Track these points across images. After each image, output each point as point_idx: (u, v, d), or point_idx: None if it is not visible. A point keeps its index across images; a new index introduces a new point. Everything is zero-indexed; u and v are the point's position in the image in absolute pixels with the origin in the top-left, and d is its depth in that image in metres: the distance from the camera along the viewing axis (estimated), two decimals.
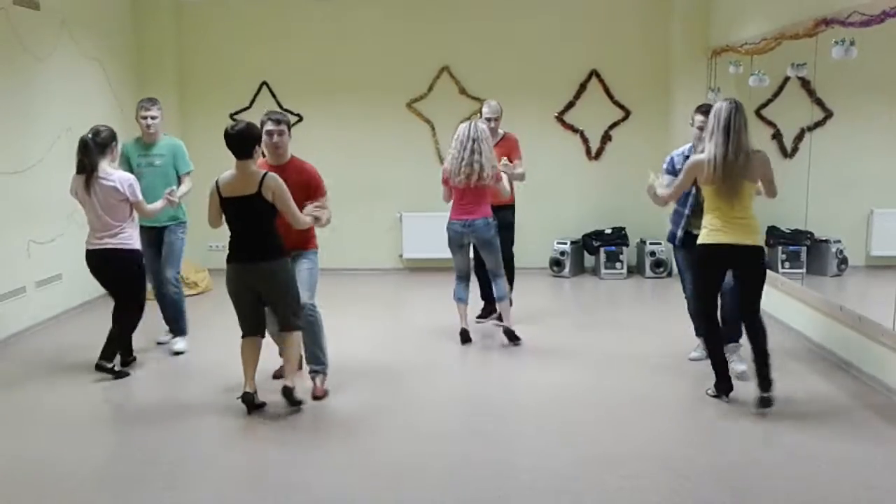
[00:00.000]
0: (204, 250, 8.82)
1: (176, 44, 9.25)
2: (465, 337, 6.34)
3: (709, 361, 5.10)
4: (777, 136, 8.82)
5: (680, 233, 5.52)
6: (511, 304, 6.64)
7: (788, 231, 8.28)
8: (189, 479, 4.11)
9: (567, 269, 9.14)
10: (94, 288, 7.96)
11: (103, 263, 5.52)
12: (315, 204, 5.02)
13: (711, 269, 4.95)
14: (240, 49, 9.31)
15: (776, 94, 8.55)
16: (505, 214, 6.63)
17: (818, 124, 8.00)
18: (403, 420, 4.87)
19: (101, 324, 5.85)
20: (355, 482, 4.03)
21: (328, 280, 8.95)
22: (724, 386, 4.97)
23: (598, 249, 9.21)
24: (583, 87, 9.31)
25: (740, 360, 5.38)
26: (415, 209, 9.36)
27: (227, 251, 4.86)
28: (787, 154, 8.74)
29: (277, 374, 5.37)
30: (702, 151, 4.87)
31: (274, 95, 9.36)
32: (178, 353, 6.11)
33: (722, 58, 8.28)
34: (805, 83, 7.60)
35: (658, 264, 9.05)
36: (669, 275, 9.07)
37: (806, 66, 6.81)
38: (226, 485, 4.08)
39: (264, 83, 9.35)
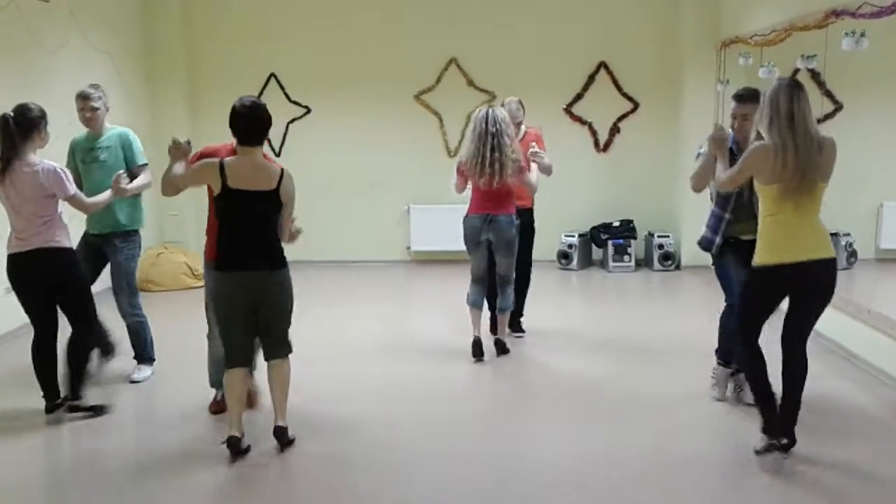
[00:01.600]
0: None
1: (184, 36, 9.26)
2: (477, 349, 5.67)
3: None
4: None
5: (719, 240, 4.65)
6: (522, 329, 6.29)
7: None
8: None
9: (575, 262, 9.13)
10: (100, 281, 8.05)
11: (33, 268, 4.54)
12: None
13: (770, 296, 4.07)
14: (248, 41, 9.31)
15: None
16: (524, 217, 5.94)
17: (828, 116, 7.96)
18: (402, 415, 4.86)
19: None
20: (359, 473, 4.05)
21: (336, 272, 9.01)
22: (774, 425, 4.02)
23: (606, 242, 9.19)
24: (591, 78, 9.28)
25: (729, 384, 4.85)
26: (422, 201, 9.36)
27: (217, 256, 4.12)
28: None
29: (217, 408, 4.68)
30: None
31: (282, 88, 9.37)
32: (135, 382, 5.29)
33: (731, 49, 8.25)
34: (815, 75, 7.56)
35: (666, 257, 9.03)
36: (678, 268, 9.06)
37: (816, 58, 6.76)
38: None
39: (272, 75, 9.36)
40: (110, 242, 5.19)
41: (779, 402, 4.04)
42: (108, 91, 8.13)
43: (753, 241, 4.19)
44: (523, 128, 6.19)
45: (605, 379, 5.43)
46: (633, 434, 4.50)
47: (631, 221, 9.27)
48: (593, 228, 9.37)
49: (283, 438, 4.19)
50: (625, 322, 7.01)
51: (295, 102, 9.39)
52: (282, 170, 4.10)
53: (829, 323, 6.06)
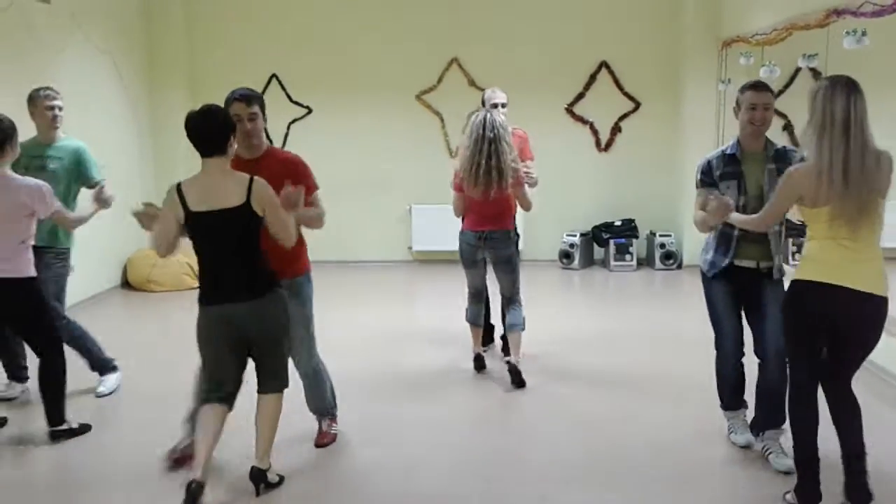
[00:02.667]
0: None
1: (186, 36, 9.27)
2: (479, 363, 5.46)
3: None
4: (788, 127, 8.78)
5: (725, 262, 4.00)
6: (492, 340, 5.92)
7: (799, 222, 8.22)
8: None
9: (576, 262, 9.14)
10: (106, 279, 8.11)
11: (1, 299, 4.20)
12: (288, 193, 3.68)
13: (818, 320, 3.40)
14: (249, 42, 9.32)
15: (787, 85, 8.52)
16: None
17: None
18: (406, 414, 4.87)
19: (109, 317, 5.76)
20: (362, 472, 4.05)
21: (338, 272, 9.01)
22: (810, 494, 3.48)
23: (607, 241, 9.19)
24: (592, 78, 9.29)
25: (783, 451, 3.95)
26: (424, 201, 9.36)
27: (200, 289, 3.67)
28: (797, 145, 8.71)
29: (179, 458, 3.96)
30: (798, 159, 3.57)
31: (284, 88, 9.37)
32: (102, 395, 5.02)
33: (732, 49, 8.25)
34: (816, 74, 7.56)
35: (668, 256, 9.04)
36: (679, 267, 9.06)
37: (817, 57, 6.77)
38: None
39: (274, 76, 9.36)
40: (42, 257, 4.61)
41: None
42: (110, 92, 8.15)
43: (754, 271, 3.94)
44: (508, 128, 5.35)
45: (607, 377, 5.44)
46: (636, 431, 4.50)
47: (632, 221, 9.28)
48: (595, 228, 9.37)
49: (260, 482, 3.66)
50: (627, 321, 7.01)
51: (296, 103, 9.40)
52: (250, 178, 3.52)
53: None
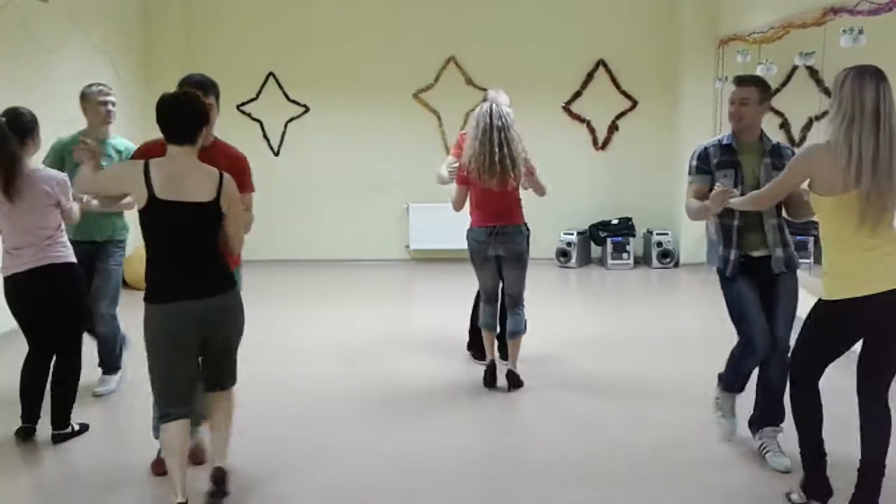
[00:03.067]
0: None
1: (183, 35, 9.26)
2: (490, 375, 5.12)
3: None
4: (785, 125, 8.80)
5: (733, 256, 3.94)
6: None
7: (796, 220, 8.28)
8: None
9: (574, 260, 9.15)
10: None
11: (38, 289, 4.17)
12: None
13: (842, 336, 3.35)
14: (247, 40, 9.31)
15: (784, 84, 8.52)
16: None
17: (826, 113, 7.97)
18: (405, 413, 4.87)
19: None
20: (364, 472, 4.06)
21: (335, 271, 9.01)
22: (819, 488, 3.45)
23: (604, 240, 9.21)
24: (590, 76, 9.30)
25: (780, 450, 3.96)
26: (422, 200, 9.36)
27: (150, 285, 3.40)
28: (795, 143, 8.73)
29: (161, 469, 3.77)
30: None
31: (281, 87, 9.37)
32: (98, 395, 4.98)
33: (729, 47, 8.27)
34: (813, 72, 7.57)
35: (665, 255, 9.05)
36: (676, 265, 9.07)
37: (814, 55, 6.78)
38: None
39: (271, 74, 9.36)
40: (103, 249, 4.89)
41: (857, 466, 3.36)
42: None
43: (765, 259, 3.91)
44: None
45: (605, 375, 5.45)
46: (635, 429, 4.52)
47: (629, 219, 9.29)
48: (592, 226, 9.38)
49: (222, 484, 3.52)
50: (625, 320, 7.02)
51: (294, 101, 9.40)
52: (220, 174, 3.38)
53: None
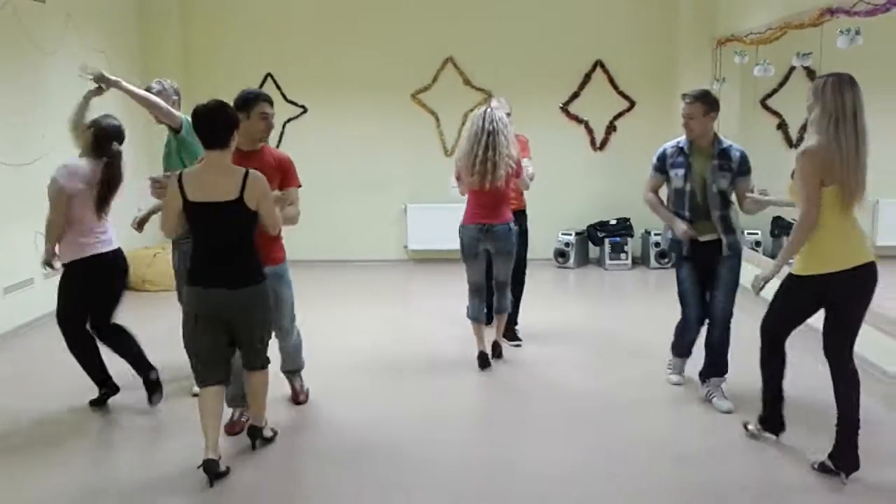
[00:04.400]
0: None
1: (181, 36, 9.26)
2: (483, 361, 5.52)
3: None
4: (782, 125, 8.83)
5: (685, 241, 4.70)
6: (518, 339, 6.10)
7: (794, 221, 8.27)
8: None
9: (572, 261, 9.15)
10: None
11: (113, 268, 4.76)
12: (281, 193, 4.12)
13: (810, 305, 3.89)
14: (244, 41, 9.31)
15: (781, 84, 8.56)
16: (517, 220, 5.71)
17: None
18: (404, 412, 4.87)
19: None
20: (364, 472, 4.06)
21: (333, 271, 9.01)
22: (775, 423, 4.18)
23: (602, 240, 9.22)
24: (587, 77, 9.30)
25: (724, 396, 4.76)
26: (419, 201, 9.37)
27: (189, 269, 3.89)
28: (792, 144, 8.75)
29: (232, 430, 4.43)
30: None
31: (279, 87, 9.36)
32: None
33: (727, 47, 8.28)
34: (810, 73, 7.59)
35: (663, 255, 9.05)
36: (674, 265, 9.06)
37: (811, 56, 6.79)
38: None
39: (269, 75, 9.36)
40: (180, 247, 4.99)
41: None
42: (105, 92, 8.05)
43: (714, 243, 4.62)
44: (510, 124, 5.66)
45: (603, 377, 5.45)
46: (633, 431, 4.52)
47: (628, 219, 9.30)
48: (590, 227, 9.39)
49: (256, 436, 4.15)
50: (623, 321, 7.02)
51: (291, 102, 9.40)
52: (246, 172, 3.76)
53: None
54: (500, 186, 5.22)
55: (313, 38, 9.27)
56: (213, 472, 3.80)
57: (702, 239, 4.65)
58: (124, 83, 4.83)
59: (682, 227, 4.63)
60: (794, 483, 3.84)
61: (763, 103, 8.81)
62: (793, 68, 7.74)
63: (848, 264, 3.69)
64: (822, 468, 3.87)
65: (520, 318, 6.34)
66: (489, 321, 5.85)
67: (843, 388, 3.79)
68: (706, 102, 4.57)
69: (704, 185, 4.61)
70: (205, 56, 9.36)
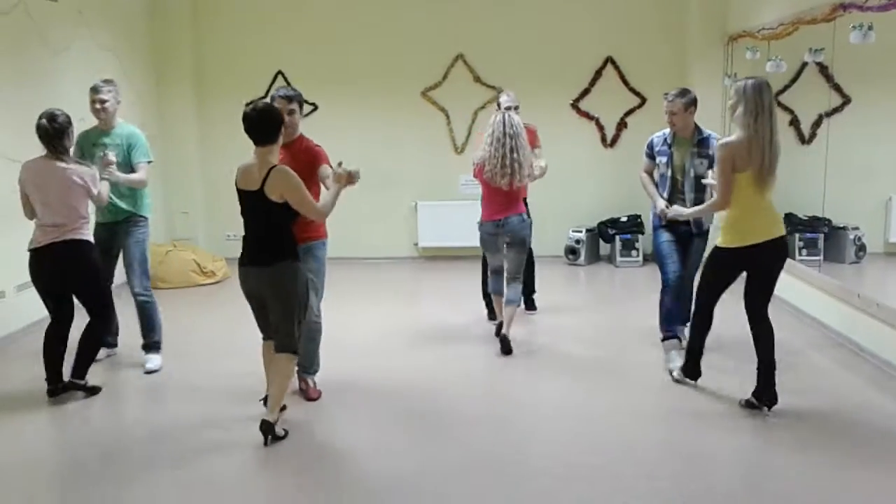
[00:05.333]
0: (222, 240, 8.90)
1: (192, 34, 9.28)
2: (501, 330, 5.86)
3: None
4: (795, 122, 8.76)
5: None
6: (534, 307, 6.86)
7: (806, 218, 8.23)
8: None
9: (582, 258, 9.13)
10: (118, 273, 8.09)
11: (56, 262, 4.86)
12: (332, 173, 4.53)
13: (733, 273, 4.65)
14: (255, 38, 9.33)
15: (794, 80, 8.49)
16: None
17: (836, 110, 7.94)
18: (415, 410, 4.88)
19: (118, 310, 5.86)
20: (373, 471, 4.07)
21: (343, 269, 9.01)
22: (694, 371, 5.01)
23: (613, 237, 9.19)
24: (598, 73, 9.27)
25: (680, 354, 5.25)
26: (430, 198, 9.37)
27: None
28: (804, 140, 8.69)
29: (307, 395, 4.96)
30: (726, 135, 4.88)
31: (289, 84, 9.38)
32: (150, 372, 5.45)
33: (739, 43, 8.23)
34: (823, 69, 7.54)
35: None
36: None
37: (824, 52, 6.75)
38: None
39: (279, 72, 9.37)
40: (122, 227, 5.47)
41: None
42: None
43: (687, 222, 5.36)
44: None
45: (613, 375, 5.45)
46: (641, 430, 4.52)
47: (638, 216, 9.26)
48: (601, 224, 9.37)
49: (269, 433, 4.22)
50: (633, 318, 6.99)
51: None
52: (272, 167, 4.13)
53: (838, 316, 6.07)
54: (524, 185, 5.85)
55: (324, 35, 9.28)
56: (269, 433, 4.20)
57: (678, 219, 5.30)
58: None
59: (660, 204, 5.40)
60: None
61: (775, 99, 8.76)
62: (805, 64, 7.69)
63: (763, 238, 4.42)
64: (748, 405, 4.62)
65: (536, 297, 6.80)
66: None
67: (762, 338, 4.56)
68: (686, 100, 5.34)
69: (683, 170, 5.40)
70: (215, 54, 9.38)
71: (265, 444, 4.21)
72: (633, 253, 9.10)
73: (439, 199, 9.27)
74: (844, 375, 5.33)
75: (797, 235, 8.19)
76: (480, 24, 9.20)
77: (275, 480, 3.98)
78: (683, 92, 5.41)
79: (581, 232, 9.17)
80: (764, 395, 4.55)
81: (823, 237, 8.11)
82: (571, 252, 9.16)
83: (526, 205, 6.23)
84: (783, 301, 6.86)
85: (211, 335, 6.37)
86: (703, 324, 4.81)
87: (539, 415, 4.83)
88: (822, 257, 7.88)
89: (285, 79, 9.38)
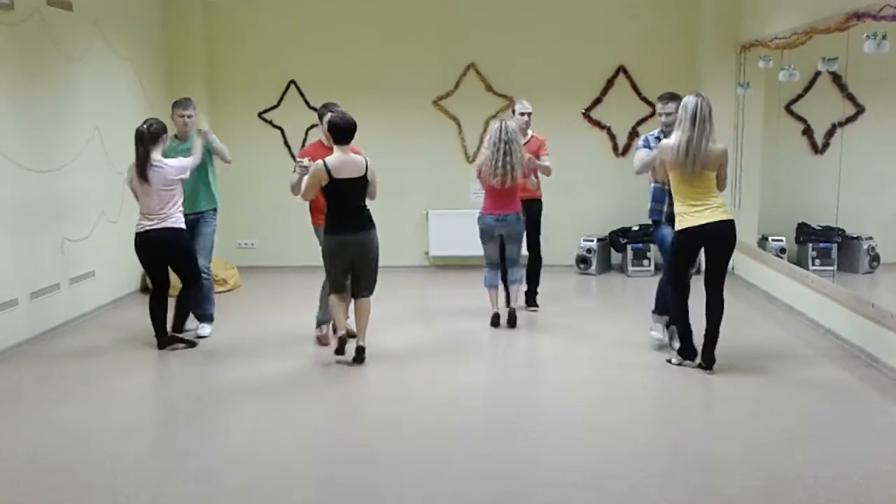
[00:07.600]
0: (233, 248, 8.92)
1: (205, 43, 9.34)
2: (495, 320, 6.73)
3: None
4: (807, 131, 8.73)
5: (666, 208, 5.88)
6: (536, 304, 7.22)
7: (819, 228, 8.19)
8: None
9: (594, 267, 9.11)
10: (127, 283, 8.19)
11: (157, 244, 6.05)
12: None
13: (692, 250, 5.56)
14: (268, 48, 9.38)
15: (807, 90, 8.48)
16: (534, 206, 7.08)
17: (849, 119, 7.92)
18: (429, 416, 4.89)
19: (134, 319, 5.93)
20: (384, 476, 4.06)
21: None
22: (688, 351, 5.56)
23: (625, 247, 9.16)
24: (610, 83, 9.27)
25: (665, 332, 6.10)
26: (441, 206, 9.38)
27: (327, 225, 5.68)
28: (817, 150, 8.65)
29: (324, 342, 6.23)
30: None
31: (302, 94, 9.42)
32: (201, 337, 6.48)
33: (751, 53, 8.21)
34: (836, 78, 7.53)
35: None
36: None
37: (837, 61, 6.73)
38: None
39: (292, 82, 9.42)
40: (203, 217, 6.64)
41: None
42: (130, 98, 8.26)
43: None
44: (530, 132, 7.04)
45: (624, 382, 5.43)
46: (653, 436, 4.49)
47: (650, 225, 9.20)
48: (612, 233, 9.34)
49: (361, 355, 5.73)
50: (644, 327, 6.96)
51: (314, 109, 9.41)
52: (365, 159, 5.67)
53: (853, 327, 6.02)
54: (517, 185, 6.54)
55: (336, 45, 9.32)
56: (344, 340, 5.75)
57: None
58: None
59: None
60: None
61: (788, 109, 8.73)
62: (818, 73, 7.67)
63: (705, 221, 5.25)
64: (698, 366, 5.48)
65: (539, 315, 6.55)
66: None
67: (714, 311, 5.41)
68: (677, 103, 5.67)
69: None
70: (228, 63, 9.44)
71: (362, 361, 5.67)
72: (645, 262, 9.07)
73: (450, 208, 9.27)
74: (860, 387, 5.28)
75: (810, 245, 8.15)
76: (492, 34, 9.22)
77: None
78: (674, 96, 5.89)
79: (592, 241, 9.15)
80: (706, 359, 5.42)
81: (837, 247, 8.06)
82: (583, 261, 9.14)
83: (540, 203, 7.13)
84: (798, 312, 6.82)
85: (228, 342, 6.40)
86: (681, 304, 5.57)
87: (550, 423, 4.81)
88: (835, 267, 7.83)
89: (298, 89, 9.43)
